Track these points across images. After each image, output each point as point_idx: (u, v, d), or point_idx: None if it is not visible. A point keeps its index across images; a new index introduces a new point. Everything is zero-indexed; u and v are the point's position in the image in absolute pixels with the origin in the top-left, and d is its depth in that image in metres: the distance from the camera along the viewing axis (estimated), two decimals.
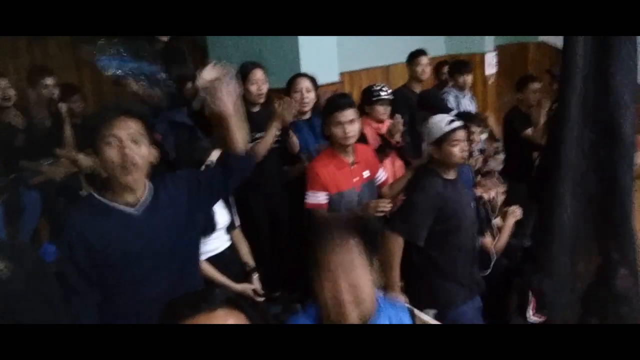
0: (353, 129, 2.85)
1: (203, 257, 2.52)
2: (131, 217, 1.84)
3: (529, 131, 4.11)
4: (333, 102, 2.95)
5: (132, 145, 1.78)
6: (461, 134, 2.72)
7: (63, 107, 3.74)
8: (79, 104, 4.16)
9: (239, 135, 2.04)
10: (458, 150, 2.69)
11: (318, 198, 2.88)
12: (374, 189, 3.08)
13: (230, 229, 2.85)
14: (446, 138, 2.69)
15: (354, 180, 2.93)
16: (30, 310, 1.52)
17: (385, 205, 2.81)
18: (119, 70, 2.88)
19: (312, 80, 3.47)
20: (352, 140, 2.87)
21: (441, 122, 2.74)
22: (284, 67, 3.65)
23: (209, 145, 2.79)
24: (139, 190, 1.86)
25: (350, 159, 2.94)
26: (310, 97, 3.43)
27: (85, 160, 3.61)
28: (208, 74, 1.94)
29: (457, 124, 2.73)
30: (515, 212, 3.38)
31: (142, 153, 1.81)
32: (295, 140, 3.29)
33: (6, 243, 1.63)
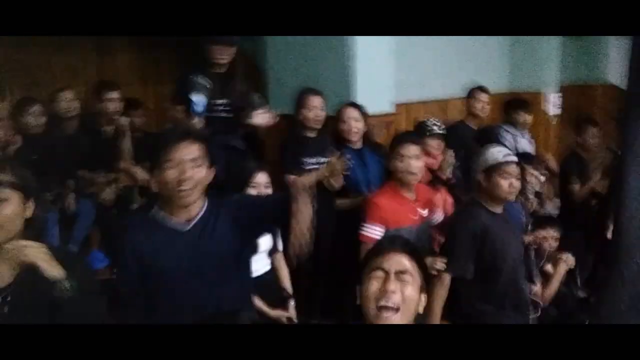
0: (417, 165, 2.83)
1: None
2: (182, 235, 1.87)
3: (577, 187, 3.96)
4: (401, 135, 2.95)
5: (193, 168, 1.82)
6: (513, 169, 2.67)
7: (125, 120, 3.87)
8: (141, 119, 4.32)
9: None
10: (506, 185, 2.65)
11: (375, 231, 2.82)
12: (429, 230, 3.04)
13: (272, 252, 2.87)
14: (498, 168, 2.65)
15: (414, 218, 2.89)
16: (77, 314, 1.57)
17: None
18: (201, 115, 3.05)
19: (362, 109, 3.46)
20: (414, 177, 2.85)
21: (497, 152, 2.72)
22: (339, 94, 3.66)
23: (255, 165, 2.83)
24: (194, 209, 1.89)
25: (411, 195, 2.90)
26: (358, 126, 3.42)
27: (141, 173, 3.73)
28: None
29: (512, 158, 2.70)
30: (568, 260, 3.26)
31: (202, 175, 1.85)
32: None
33: (65, 255, 1.69)
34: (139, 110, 4.29)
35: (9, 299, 1.60)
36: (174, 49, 4.08)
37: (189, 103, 3.05)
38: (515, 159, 2.71)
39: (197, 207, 1.90)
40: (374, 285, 1.59)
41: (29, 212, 1.66)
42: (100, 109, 3.83)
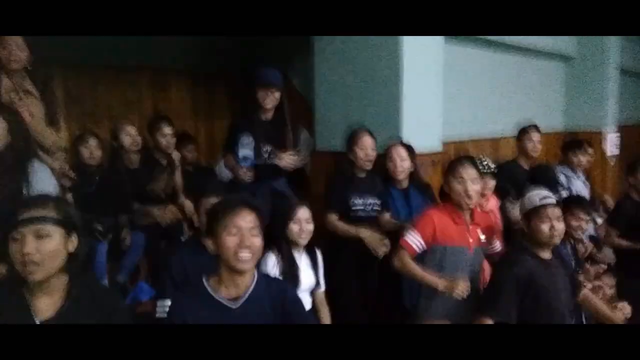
0: (475, 189, 2.79)
1: None
2: (229, 311, 1.84)
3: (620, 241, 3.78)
4: (462, 158, 2.92)
5: (252, 237, 1.83)
6: (553, 212, 2.60)
7: (176, 155, 3.97)
8: (193, 154, 4.43)
9: None
10: (547, 228, 2.58)
11: (415, 241, 2.79)
12: (482, 257, 2.96)
13: (314, 290, 2.85)
14: (536, 212, 2.60)
15: (468, 239, 2.83)
16: None
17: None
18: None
19: (409, 148, 3.44)
20: (471, 200, 2.79)
21: (535, 195, 2.67)
22: (386, 131, 3.65)
23: (296, 200, 2.85)
24: (243, 284, 1.88)
25: (467, 218, 2.85)
26: (404, 165, 3.39)
27: (190, 207, 3.81)
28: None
29: (550, 200, 2.63)
30: (625, 309, 3.08)
31: (259, 244, 1.86)
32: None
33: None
34: (190, 144, 4.41)
35: None
36: (223, 86, 4.21)
37: (237, 157, 3.23)
38: (553, 201, 2.64)
39: (246, 282, 1.88)
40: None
41: (71, 247, 1.70)
42: (154, 143, 3.95)
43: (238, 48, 4.10)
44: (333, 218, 3.29)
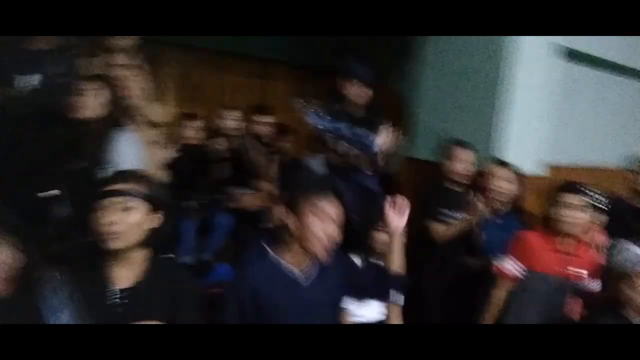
0: (581, 217, 2.64)
1: (353, 319, 2.51)
2: (299, 286, 1.92)
3: None
4: (570, 183, 2.79)
5: (335, 225, 1.91)
6: None
7: (275, 145, 4.03)
8: (290, 144, 4.48)
9: (398, 258, 2.16)
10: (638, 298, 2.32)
11: (512, 267, 2.71)
12: (570, 292, 2.79)
13: (390, 302, 2.78)
14: (627, 278, 2.37)
15: (558, 269, 2.69)
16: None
17: None
18: (321, 126, 3.05)
19: (516, 171, 3.27)
20: (576, 229, 2.65)
21: (633, 256, 2.51)
22: (485, 148, 3.51)
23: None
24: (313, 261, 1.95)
25: (568, 248, 2.70)
26: (510, 189, 3.22)
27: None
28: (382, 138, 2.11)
29: None
30: None
31: (338, 234, 1.93)
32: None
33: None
34: (289, 135, 4.46)
35: (126, 300, 1.69)
36: (327, 82, 4.19)
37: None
38: None
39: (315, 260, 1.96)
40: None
41: (154, 223, 1.74)
42: (253, 130, 4.02)
43: (344, 45, 4.08)
44: (434, 225, 3.22)
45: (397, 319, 2.81)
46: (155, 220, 1.75)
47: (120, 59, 3.00)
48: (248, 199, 3.84)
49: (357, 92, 3.27)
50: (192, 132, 3.76)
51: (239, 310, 1.90)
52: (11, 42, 2.82)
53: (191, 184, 3.66)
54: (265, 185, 3.99)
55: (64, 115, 2.72)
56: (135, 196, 1.69)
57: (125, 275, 1.72)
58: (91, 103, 2.51)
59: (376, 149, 3.03)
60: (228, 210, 3.75)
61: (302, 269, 1.95)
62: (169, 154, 3.33)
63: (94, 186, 1.76)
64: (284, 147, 4.37)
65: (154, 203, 1.73)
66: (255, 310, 1.88)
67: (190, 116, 3.85)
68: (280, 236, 1.96)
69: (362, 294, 2.17)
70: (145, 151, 2.93)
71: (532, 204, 3.50)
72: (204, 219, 3.64)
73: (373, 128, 3.24)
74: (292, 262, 1.94)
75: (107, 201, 1.67)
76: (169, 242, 3.29)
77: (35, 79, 2.81)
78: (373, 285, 2.14)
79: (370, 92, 3.28)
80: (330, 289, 1.96)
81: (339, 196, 1.98)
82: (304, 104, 3.07)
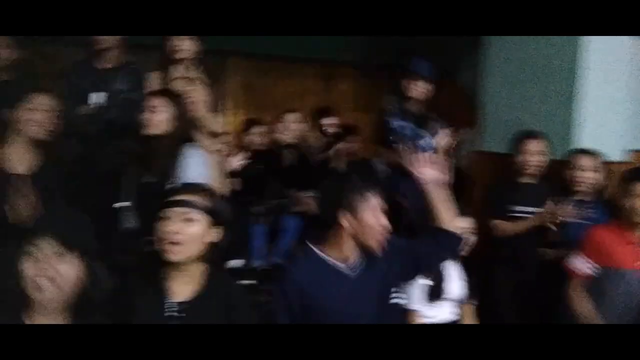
0: None
1: (422, 320, 2.45)
2: (347, 278, 1.90)
3: None
4: (636, 170, 2.63)
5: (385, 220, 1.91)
6: None
7: (339, 145, 4.02)
8: (356, 145, 4.44)
9: (444, 211, 2.10)
10: None
11: (583, 265, 2.56)
12: None
13: (463, 302, 2.70)
14: None
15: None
16: None
17: None
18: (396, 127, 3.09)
19: (599, 159, 3.08)
20: None
21: None
22: (560, 136, 3.32)
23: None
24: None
25: None
26: (595, 178, 3.05)
27: None
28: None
29: None
30: None
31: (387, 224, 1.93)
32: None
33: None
34: (354, 136, 4.43)
35: (183, 314, 1.71)
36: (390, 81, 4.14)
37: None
38: None
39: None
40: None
41: (214, 238, 1.75)
42: (317, 133, 4.03)
43: (406, 43, 4.02)
44: (499, 224, 3.11)
45: (470, 319, 2.72)
46: (215, 234, 1.76)
47: (184, 72, 3.07)
48: (310, 202, 3.83)
49: (420, 90, 3.22)
50: (258, 138, 3.81)
51: (287, 310, 1.89)
52: (84, 62, 2.98)
53: (258, 189, 3.71)
54: None
55: (133, 131, 2.83)
56: (197, 208, 1.71)
57: (183, 288, 1.74)
58: (158, 119, 2.57)
59: (432, 150, 3.00)
60: (295, 214, 3.76)
61: (348, 262, 1.92)
62: (235, 161, 3.38)
63: (160, 199, 1.78)
64: (350, 149, 4.34)
65: (215, 217, 1.75)
66: (303, 309, 1.87)
67: (255, 122, 3.90)
68: (328, 233, 1.95)
69: (419, 270, 2.13)
70: (211, 164, 2.98)
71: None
72: (273, 223, 3.67)
73: (432, 130, 3.19)
74: (337, 257, 1.93)
75: (170, 211, 1.70)
76: (239, 249, 3.37)
77: (103, 96, 2.95)
78: (427, 254, 2.09)
79: (432, 90, 3.22)
80: (382, 277, 1.94)
81: (403, 196, 1.97)
82: (394, 103, 3.08)
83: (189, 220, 1.69)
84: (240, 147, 3.84)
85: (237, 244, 3.31)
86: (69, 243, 1.42)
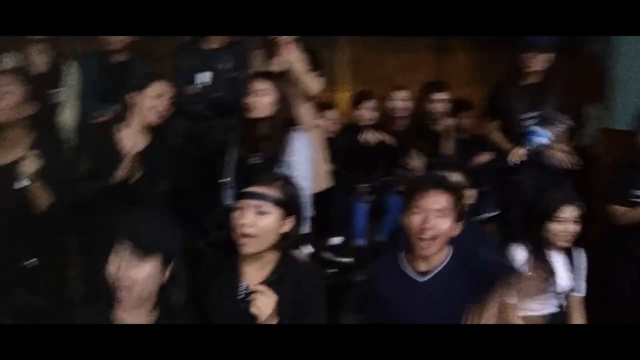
0: None
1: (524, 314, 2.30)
2: (419, 286, 1.85)
3: None
4: None
5: (437, 218, 1.79)
6: None
7: (449, 122, 3.86)
8: (469, 120, 4.24)
9: None
10: None
11: None
12: None
13: (570, 294, 2.51)
14: None
15: None
16: None
17: None
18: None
19: None
20: None
21: None
22: None
23: (563, 196, 2.51)
24: (434, 261, 1.86)
25: None
26: None
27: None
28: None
29: None
30: None
31: (445, 227, 1.81)
32: None
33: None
34: (468, 111, 4.23)
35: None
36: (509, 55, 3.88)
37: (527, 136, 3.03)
38: None
39: (438, 259, 1.85)
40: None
41: (286, 228, 1.75)
42: (428, 109, 3.89)
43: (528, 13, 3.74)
44: (617, 210, 2.88)
45: (578, 312, 2.52)
46: (286, 225, 1.76)
47: (287, 53, 3.07)
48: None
49: (539, 63, 3.04)
50: (368, 112, 3.74)
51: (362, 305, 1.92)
52: (191, 42, 3.10)
53: (365, 166, 3.67)
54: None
55: (238, 111, 2.90)
56: (270, 200, 1.71)
57: (256, 273, 1.76)
58: (263, 102, 2.61)
59: (546, 142, 2.89)
60: (401, 193, 3.68)
61: (419, 267, 1.86)
62: (339, 137, 3.39)
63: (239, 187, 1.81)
64: (463, 124, 4.15)
65: (287, 208, 1.74)
66: (376, 307, 1.87)
67: (365, 96, 3.82)
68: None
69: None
70: (315, 144, 2.99)
71: None
72: (377, 202, 3.62)
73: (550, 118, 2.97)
74: (411, 261, 1.87)
75: (243, 203, 1.72)
76: (341, 226, 3.36)
77: (209, 76, 3.06)
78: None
79: (552, 61, 2.98)
80: (455, 287, 1.81)
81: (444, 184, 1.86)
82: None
83: (262, 212, 1.70)
84: (349, 123, 3.82)
85: (338, 221, 3.31)
86: (149, 247, 1.48)
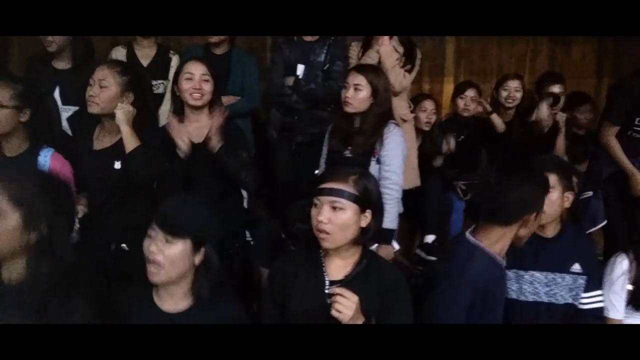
0: None
1: None
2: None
3: None
4: None
5: None
6: None
7: (561, 116, 3.61)
8: (585, 115, 3.93)
9: None
10: None
11: None
12: None
13: None
14: None
15: None
16: None
17: None
18: None
19: None
20: None
21: None
22: None
23: None
24: None
25: None
26: None
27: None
28: None
29: None
30: None
31: None
32: None
33: None
34: (584, 105, 3.92)
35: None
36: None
37: None
38: None
39: None
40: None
41: (364, 223, 1.72)
42: (538, 101, 3.65)
43: None
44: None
45: None
46: (364, 220, 1.72)
47: (381, 46, 3.01)
48: None
49: None
50: (463, 103, 3.57)
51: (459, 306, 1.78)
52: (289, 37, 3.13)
53: (466, 161, 3.52)
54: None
55: (334, 104, 2.89)
56: (344, 196, 1.68)
57: (338, 269, 1.74)
58: (359, 97, 2.57)
59: None
60: None
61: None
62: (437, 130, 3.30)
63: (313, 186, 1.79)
64: (579, 119, 3.86)
65: (363, 204, 1.71)
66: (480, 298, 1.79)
67: (471, 85, 3.65)
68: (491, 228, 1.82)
69: None
70: (409, 139, 2.91)
71: None
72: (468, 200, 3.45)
73: None
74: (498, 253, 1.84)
75: (319, 199, 1.71)
76: (437, 224, 3.25)
77: (307, 69, 3.07)
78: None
79: None
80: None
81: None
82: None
83: (338, 208, 1.68)
84: (449, 114, 3.68)
85: (432, 218, 3.20)
86: (179, 229, 1.55)
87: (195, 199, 1.75)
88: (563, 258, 2.08)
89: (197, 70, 2.37)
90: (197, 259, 1.60)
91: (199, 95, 2.38)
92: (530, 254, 2.05)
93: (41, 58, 2.90)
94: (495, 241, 1.82)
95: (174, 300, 1.62)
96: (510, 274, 2.05)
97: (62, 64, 2.87)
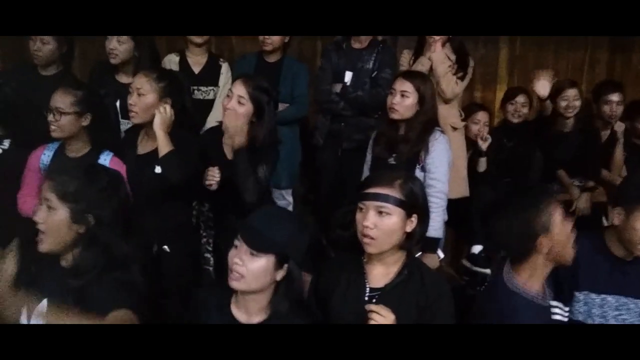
0: None
1: None
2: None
3: None
4: None
5: None
6: None
7: (620, 126, 3.47)
8: None
9: None
10: None
11: None
12: None
13: None
14: None
15: None
16: None
17: None
18: None
19: None
20: None
21: None
22: None
23: None
24: None
25: None
26: None
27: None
28: None
29: None
30: None
31: None
32: None
33: None
34: None
35: (374, 300, 1.68)
36: None
37: None
38: None
39: None
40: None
41: (409, 228, 1.70)
42: (598, 110, 3.54)
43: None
44: None
45: None
46: (409, 224, 1.71)
47: (437, 54, 2.98)
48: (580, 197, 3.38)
49: None
50: (513, 108, 3.49)
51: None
52: (340, 41, 3.14)
53: (517, 168, 3.43)
54: (607, 175, 3.48)
55: (381, 110, 2.87)
56: (390, 202, 1.67)
57: (378, 274, 1.73)
58: (406, 104, 2.56)
59: None
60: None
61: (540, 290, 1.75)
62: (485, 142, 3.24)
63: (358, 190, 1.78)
64: (638, 129, 3.70)
65: (409, 208, 1.69)
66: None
67: (522, 91, 3.57)
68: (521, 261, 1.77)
69: None
70: (457, 148, 2.87)
71: None
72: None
73: None
74: (531, 285, 1.76)
75: (365, 204, 1.70)
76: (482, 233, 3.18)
77: (354, 75, 3.08)
78: None
79: None
80: None
81: None
82: None
83: (384, 213, 1.67)
84: (500, 122, 3.62)
85: (480, 228, 3.13)
86: (265, 246, 1.53)
87: (283, 214, 1.76)
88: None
89: (237, 90, 2.35)
90: (279, 274, 1.58)
91: (232, 114, 2.32)
92: (604, 276, 1.94)
93: (106, 68, 2.95)
94: (529, 275, 1.77)
95: (249, 313, 1.60)
96: (580, 296, 1.95)
97: (124, 78, 2.90)
